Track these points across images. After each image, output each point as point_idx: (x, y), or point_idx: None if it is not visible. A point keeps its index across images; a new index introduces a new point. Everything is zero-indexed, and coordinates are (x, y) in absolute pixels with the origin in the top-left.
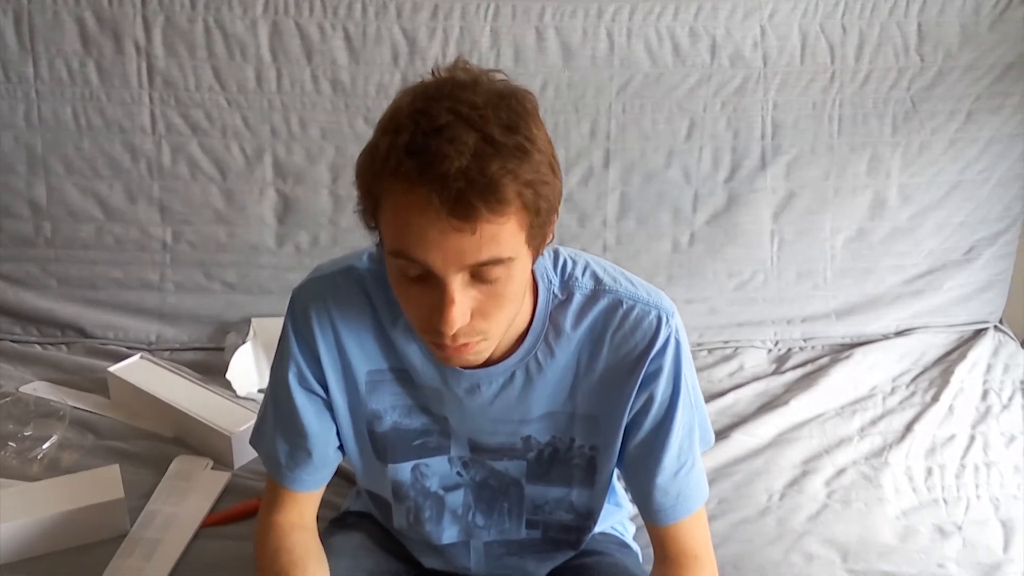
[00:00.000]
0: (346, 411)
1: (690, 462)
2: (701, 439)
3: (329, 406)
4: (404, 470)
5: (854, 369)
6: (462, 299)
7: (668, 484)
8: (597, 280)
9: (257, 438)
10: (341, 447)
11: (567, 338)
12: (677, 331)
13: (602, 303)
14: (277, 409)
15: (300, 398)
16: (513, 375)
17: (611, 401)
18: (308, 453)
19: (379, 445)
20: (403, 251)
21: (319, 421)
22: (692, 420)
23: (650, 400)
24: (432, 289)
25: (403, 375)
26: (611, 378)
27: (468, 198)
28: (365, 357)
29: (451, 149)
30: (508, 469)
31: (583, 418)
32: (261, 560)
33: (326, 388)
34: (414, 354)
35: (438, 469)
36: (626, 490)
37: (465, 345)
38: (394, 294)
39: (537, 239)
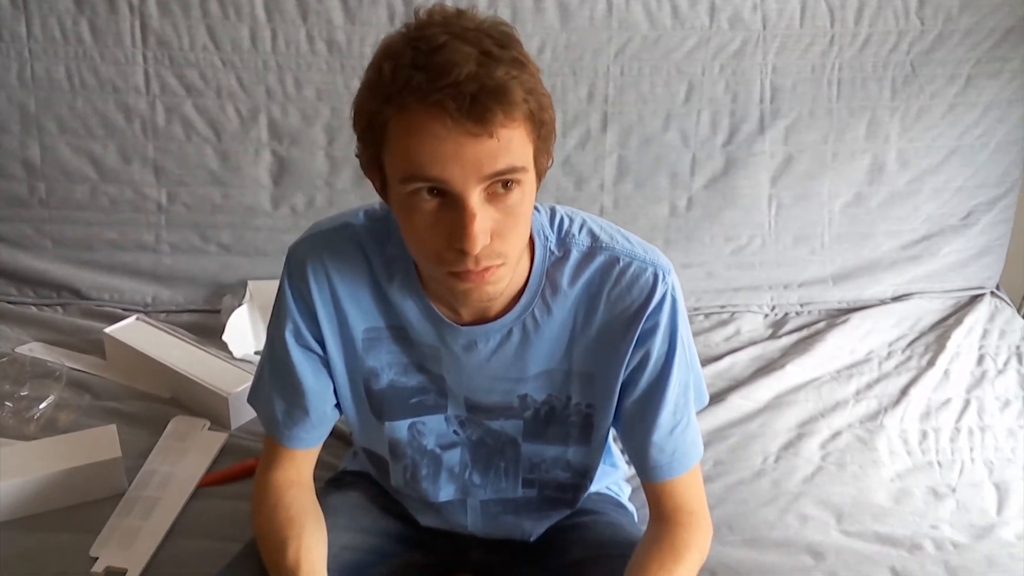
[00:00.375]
0: (343, 368)
1: (685, 419)
2: (697, 399)
3: (326, 363)
4: (401, 428)
5: (850, 334)
6: (482, 216)
7: (664, 441)
8: (594, 237)
9: (255, 396)
10: (338, 405)
11: (564, 295)
12: (673, 288)
13: (599, 260)
14: (274, 367)
15: (297, 355)
16: (510, 332)
17: (607, 358)
18: (305, 411)
19: (376, 403)
20: (418, 173)
21: (316, 378)
22: (687, 377)
23: (646, 357)
24: (450, 211)
25: (400, 333)
26: (607, 335)
27: (483, 100)
28: (362, 314)
29: (457, 58)
30: (505, 428)
31: (579, 376)
32: (258, 518)
33: (323, 345)
34: (411, 311)
35: (435, 427)
36: (622, 451)
37: (486, 270)
38: (391, 251)
39: (541, 158)
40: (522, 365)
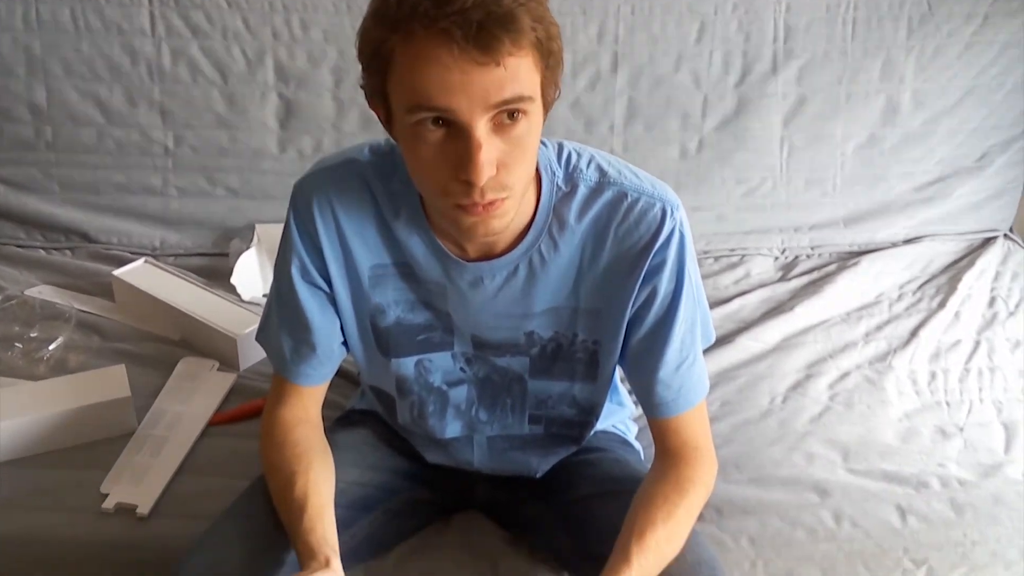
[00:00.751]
0: (349, 305)
1: (692, 356)
2: (702, 336)
3: (332, 300)
4: (407, 365)
5: (861, 276)
6: (488, 146)
7: (670, 378)
8: (602, 172)
9: (263, 334)
10: (345, 342)
11: (571, 231)
12: (681, 224)
13: (606, 195)
14: (281, 304)
15: (303, 292)
16: (516, 268)
17: (614, 295)
18: (312, 347)
19: (382, 340)
20: (424, 102)
21: (322, 315)
22: (694, 314)
23: (653, 294)
24: (456, 142)
25: (406, 269)
26: (614, 271)
27: (489, 28)
28: (368, 251)
29: None
30: (511, 365)
31: (586, 312)
32: (266, 454)
33: (329, 282)
34: (417, 247)
35: (441, 364)
36: (630, 392)
37: (491, 203)
38: (397, 187)
39: (549, 89)
40: (528, 302)
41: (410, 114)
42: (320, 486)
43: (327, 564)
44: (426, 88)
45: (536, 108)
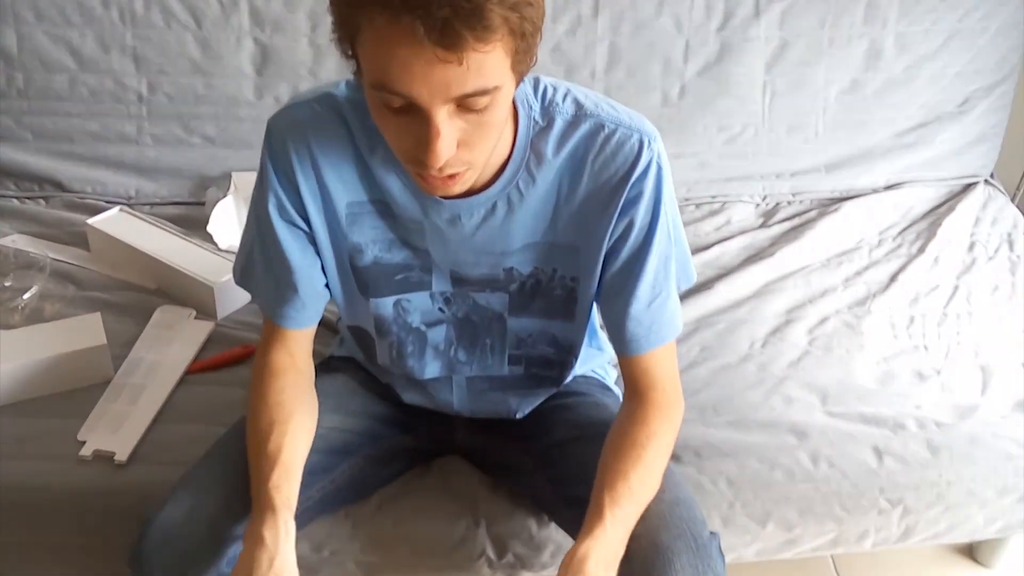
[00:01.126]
0: (328, 244)
1: (665, 293)
2: (682, 276)
3: (312, 240)
4: (386, 305)
5: (842, 222)
6: (448, 131)
7: (642, 314)
8: (578, 105)
9: (244, 276)
10: (327, 284)
11: (548, 165)
12: (659, 156)
13: (583, 128)
14: (262, 245)
15: (283, 232)
16: (495, 205)
17: (591, 229)
18: (294, 289)
19: (361, 279)
20: (385, 85)
21: (303, 255)
22: (669, 250)
23: (630, 226)
24: (416, 121)
25: (383, 207)
26: (592, 205)
27: (454, 26)
28: (344, 188)
29: None
30: (490, 303)
31: (564, 248)
32: (253, 402)
33: (307, 220)
34: (394, 185)
35: (420, 305)
36: (602, 327)
37: (451, 176)
38: (373, 123)
39: (522, 64)
40: (507, 238)
41: (373, 89)
42: (296, 441)
43: (284, 526)
44: (388, 72)
45: (504, 91)
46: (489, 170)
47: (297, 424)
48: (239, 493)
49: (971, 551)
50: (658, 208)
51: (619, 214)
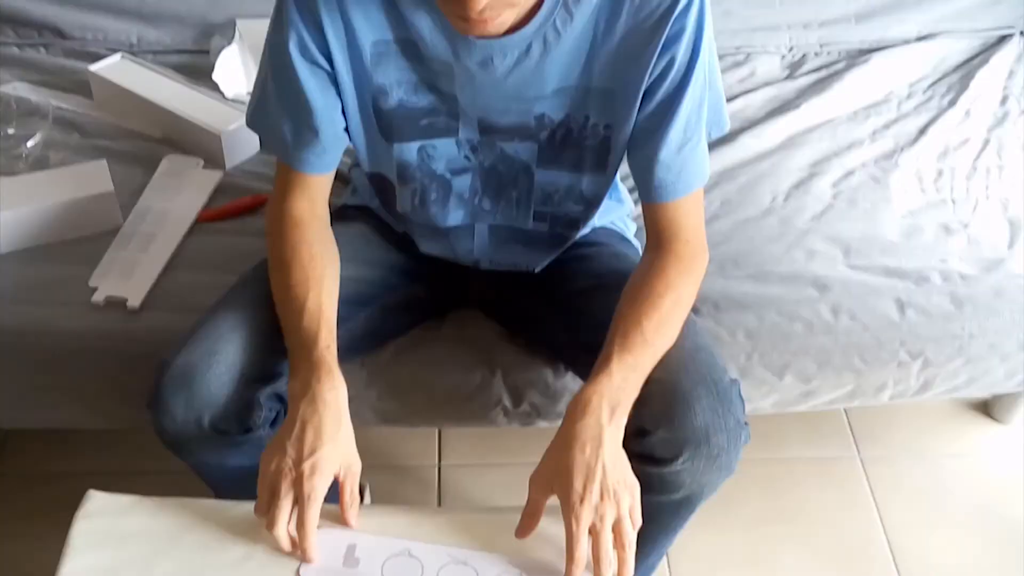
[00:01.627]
0: (351, 85)
1: (696, 138)
2: (715, 123)
3: (333, 80)
4: (410, 150)
5: (870, 74)
6: None
7: (671, 159)
8: None
9: (259, 118)
10: (347, 128)
11: (586, 1)
12: None
13: None
14: (279, 84)
15: (303, 71)
16: (529, 46)
17: (629, 71)
18: (314, 132)
19: (384, 123)
20: None
21: (324, 96)
22: (703, 94)
23: (669, 65)
24: None
25: (410, 47)
26: (630, 44)
27: None
28: (370, 26)
29: None
30: (518, 152)
31: (599, 92)
32: (276, 251)
33: (330, 59)
34: (423, 23)
35: (445, 152)
36: (631, 191)
37: (489, 19)
38: None
39: None
40: (540, 82)
41: None
42: (333, 298)
43: (343, 387)
44: None
45: None
46: (522, 9)
47: (331, 279)
48: (256, 341)
49: (986, 407)
50: (698, 47)
51: (660, 52)
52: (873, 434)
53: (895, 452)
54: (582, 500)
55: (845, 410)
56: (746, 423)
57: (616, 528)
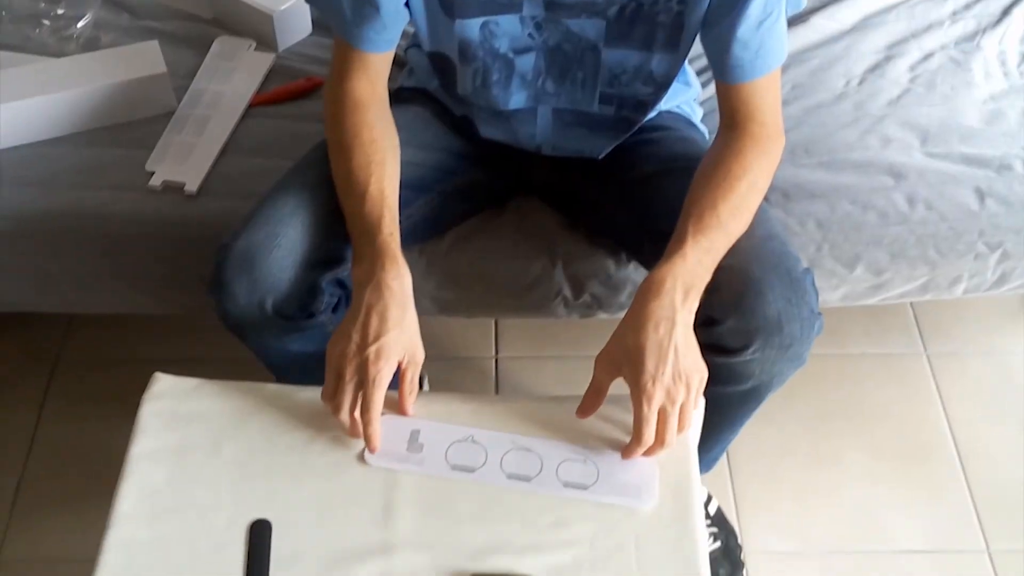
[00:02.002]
0: None
1: (776, 13)
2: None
3: None
4: (472, 27)
5: None
6: None
7: (750, 36)
8: None
9: None
10: (408, 4)
11: None
12: None
13: None
14: None
15: None
16: None
17: None
18: (375, 6)
19: None
20: None
21: None
22: None
23: None
24: None
25: None
26: None
27: None
28: None
29: None
30: (585, 30)
31: None
32: (340, 136)
33: None
34: None
35: (508, 29)
36: (698, 73)
37: None
38: None
39: None
40: None
41: None
42: (395, 182)
43: (408, 275)
44: None
45: None
46: None
47: (392, 163)
48: (317, 225)
49: None
50: None
51: None
52: (940, 330)
53: (962, 348)
54: (654, 380)
55: (912, 305)
56: (820, 313)
57: (682, 412)
